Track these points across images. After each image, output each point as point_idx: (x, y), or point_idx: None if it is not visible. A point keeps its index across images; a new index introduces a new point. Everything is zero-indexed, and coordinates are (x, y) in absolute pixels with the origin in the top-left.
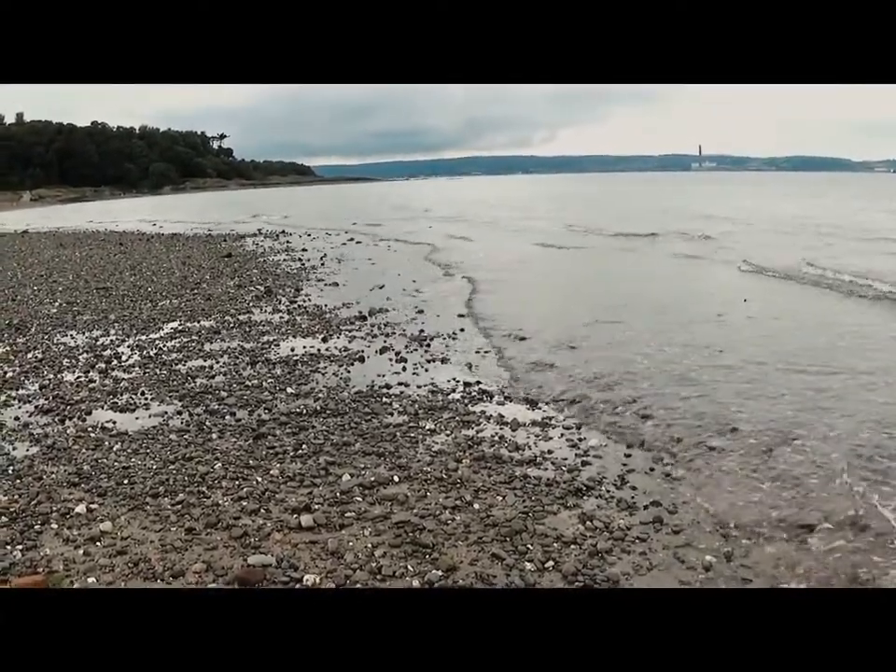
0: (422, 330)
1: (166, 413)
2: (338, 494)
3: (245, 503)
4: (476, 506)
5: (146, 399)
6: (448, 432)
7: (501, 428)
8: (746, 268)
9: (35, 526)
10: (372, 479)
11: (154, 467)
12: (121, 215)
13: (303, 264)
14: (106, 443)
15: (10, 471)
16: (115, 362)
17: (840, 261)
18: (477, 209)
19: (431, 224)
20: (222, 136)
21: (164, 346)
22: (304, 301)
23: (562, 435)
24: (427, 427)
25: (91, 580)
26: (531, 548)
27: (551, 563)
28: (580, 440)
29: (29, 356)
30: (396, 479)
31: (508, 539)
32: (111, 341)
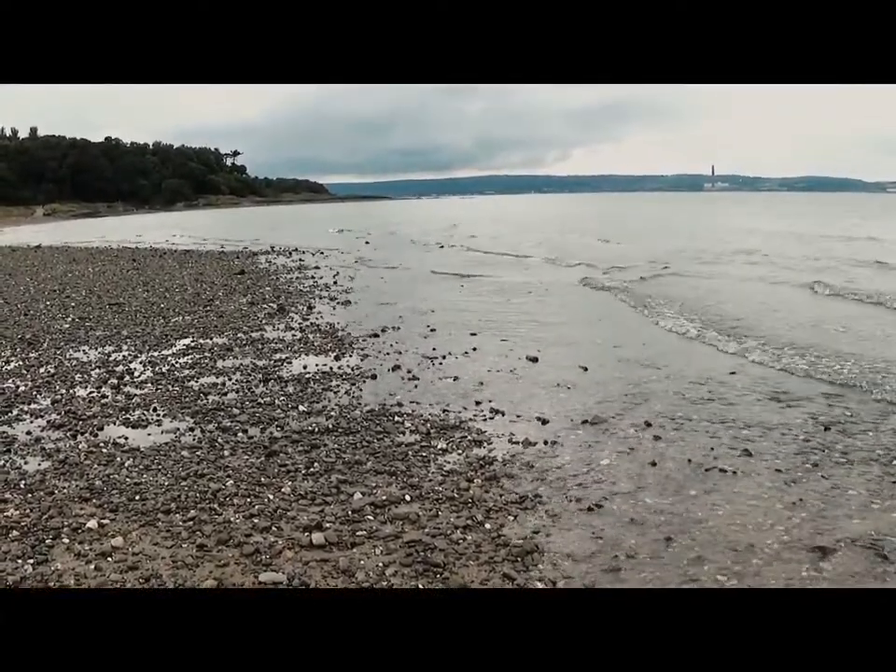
0: (434, 349)
1: (178, 429)
2: (349, 512)
3: (256, 520)
4: (487, 525)
5: (158, 415)
6: (460, 451)
7: (513, 447)
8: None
9: (47, 541)
10: (384, 498)
11: (166, 483)
12: (134, 230)
13: (316, 282)
14: (118, 459)
15: (22, 485)
16: (127, 378)
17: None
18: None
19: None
20: (235, 153)
21: (177, 363)
22: (317, 319)
23: (573, 453)
24: (438, 446)
25: None
26: (542, 567)
27: (563, 582)
28: (591, 458)
29: (41, 370)
30: (407, 498)
31: (519, 558)
32: (124, 356)
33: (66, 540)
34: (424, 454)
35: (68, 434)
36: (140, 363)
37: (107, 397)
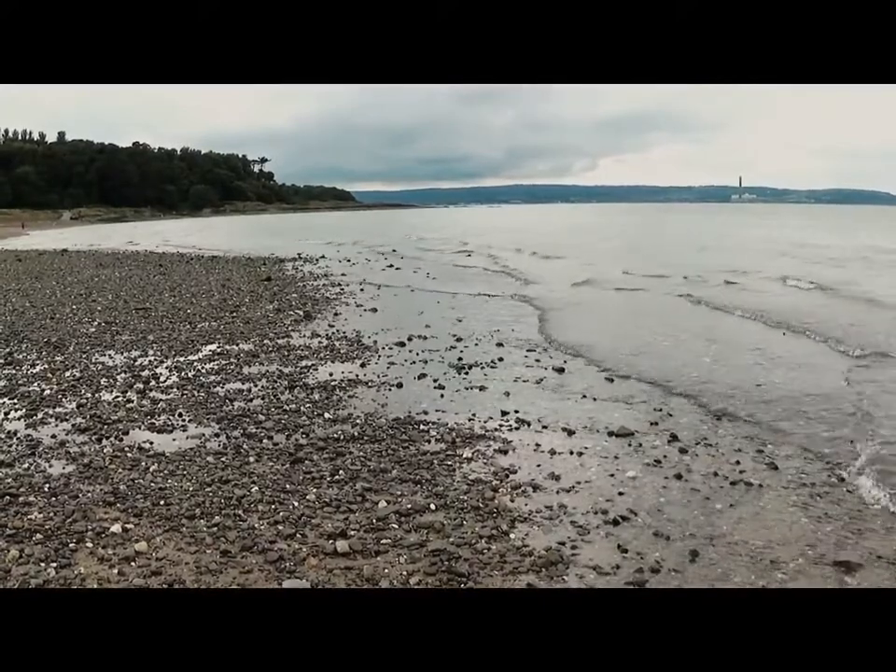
0: (460, 358)
1: (203, 435)
2: (374, 520)
3: (280, 527)
4: (512, 535)
5: (183, 420)
6: (485, 461)
7: (538, 457)
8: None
9: (70, 545)
10: (409, 506)
11: (190, 488)
12: (161, 236)
13: (342, 289)
14: (143, 464)
15: (46, 489)
16: (153, 383)
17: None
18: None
19: None
20: (263, 160)
21: (203, 368)
22: (343, 326)
23: (599, 465)
24: (464, 455)
25: None
26: (567, 578)
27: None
28: (617, 470)
29: (67, 374)
30: (432, 507)
31: (543, 569)
32: (149, 361)
33: (90, 544)
34: (449, 463)
35: (93, 438)
36: (166, 368)
37: (133, 401)
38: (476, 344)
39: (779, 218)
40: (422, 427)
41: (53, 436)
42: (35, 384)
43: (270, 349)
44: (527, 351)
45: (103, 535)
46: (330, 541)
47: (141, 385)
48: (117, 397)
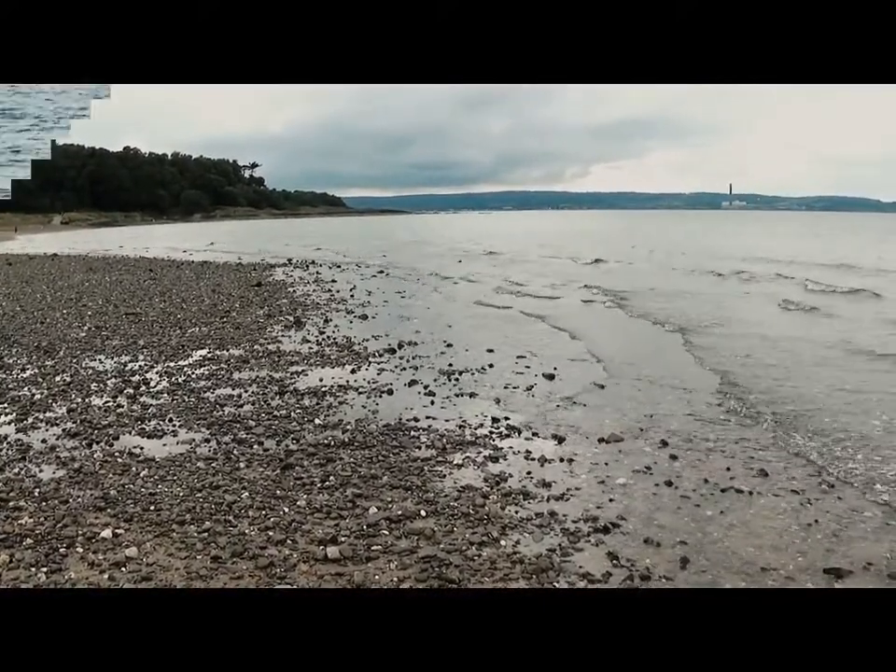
0: (451, 364)
1: (194, 440)
2: (365, 527)
3: (271, 533)
4: (503, 542)
5: (173, 425)
6: (475, 467)
7: (529, 464)
8: None
9: (60, 550)
10: (399, 512)
11: (181, 494)
12: (152, 241)
13: (333, 295)
14: (133, 469)
15: (36, 493)
16: (143, 388)
17: None
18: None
19: None
20: (254, 165)
21: (193, 374)
22: (333, 332)
23: (589, 472)
24: (454, 462)
25: None
26: (558, 586)
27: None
28: (607, 477)
29: (57, 379)
30: (423, 513)
31: (534, 576)
32: (140, 366)
33: (80, 549)
34: (440, 469)
35: (83, 443)
36: (156, 373)
37: (123, 406)
38: (467, 350)
39: (754, 227)
40: (412, 433)
41: (44, 441)
42: (26, 388)
43: (260, 355)
44: (517, 357)
45: (93, 540)
46: (321, 547)
47: (131, 390)
48: (107, 402)
